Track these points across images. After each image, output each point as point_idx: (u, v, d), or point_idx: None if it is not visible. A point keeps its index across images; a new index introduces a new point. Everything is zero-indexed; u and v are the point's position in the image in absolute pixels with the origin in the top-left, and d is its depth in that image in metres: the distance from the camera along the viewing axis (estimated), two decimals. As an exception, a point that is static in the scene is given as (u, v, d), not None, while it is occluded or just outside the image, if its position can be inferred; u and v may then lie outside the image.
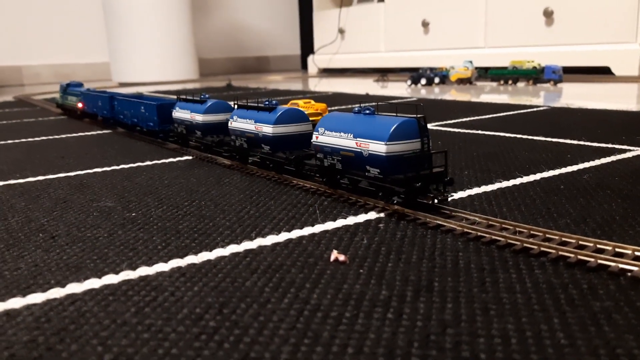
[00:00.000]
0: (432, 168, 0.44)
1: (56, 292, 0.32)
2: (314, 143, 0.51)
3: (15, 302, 0.31)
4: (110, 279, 0.34)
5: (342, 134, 0.48)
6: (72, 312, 0.29)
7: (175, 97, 0.81)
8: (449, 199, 0.47)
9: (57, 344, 0.26)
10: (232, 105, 0.68)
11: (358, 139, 0.46)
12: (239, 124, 0.62)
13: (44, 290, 0.32)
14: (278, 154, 0.57)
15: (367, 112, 0.48)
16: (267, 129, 0.57)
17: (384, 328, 0.27)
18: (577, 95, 1.40)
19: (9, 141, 0.94)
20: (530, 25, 2.04)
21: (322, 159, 0.51)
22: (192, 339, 0.26)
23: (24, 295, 0.32)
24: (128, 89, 2.28)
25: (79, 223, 0.45)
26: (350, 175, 0.48)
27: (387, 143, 0.43)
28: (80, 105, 1.16)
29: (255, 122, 0.59)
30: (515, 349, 0.24)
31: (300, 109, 0.59)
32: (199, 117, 0.69)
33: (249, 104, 0.62)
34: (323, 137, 0.50)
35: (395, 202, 0.43)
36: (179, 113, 0.75)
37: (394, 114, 0.45)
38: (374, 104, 1.25)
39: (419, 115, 0.44)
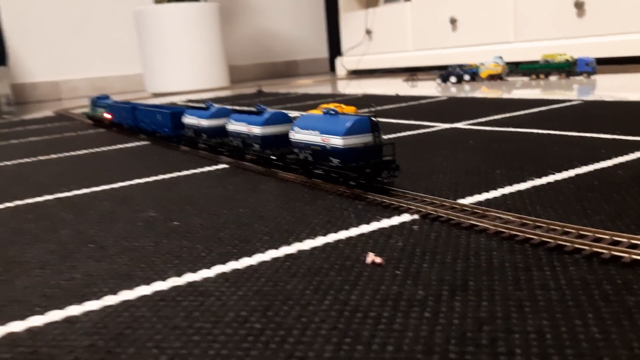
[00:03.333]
0: (381, 157, 0.52)
1: (110, 299, 0.34)
2: (291, 140, 0.58)
3: (74, 310, 0.33)
4: (160, 285, 0.36)
5: (311, 131, 0.55)
6: (126, 317, 0.31)
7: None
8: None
9: (116, 347, 0.28)
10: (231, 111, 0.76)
11: (323, 135, 0.54)
12: (235, 126, 0.70)
13: (99, 298, 0.34)
14: (266, 151, 0.65)
15: (332, 112, 0.55)
16: (257, 130, 0.65)
17: (422, 327, 0.28)
18: (611, 87, 1.37)
19: (53, 156, 0.98)
20: (561, 17, 2.01)
21: (298, 153, 0.58)
22: (240, 340, 0.28)
23: (80, 302, 0.34)
24: (161, 100, 2.34)
25: (125, 233, 0.48)
26: (319, 165, 0.55)
27: (344, 137, 0.51)
28: (106, 115, 1.28)
29: (247, 124, 0.67)
30: (550, 344, 0.25)
31: (284, 112, 0.66)
32: (204, 122, 0.78)
33: (242, 108, 0.70)
34: (297, 135, 0.58)
35: (352, 185, 0.52)
36: (188, 119, 0.83)
37: (353, 113, 0.53)
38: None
39: (371, 114, 0.52)
